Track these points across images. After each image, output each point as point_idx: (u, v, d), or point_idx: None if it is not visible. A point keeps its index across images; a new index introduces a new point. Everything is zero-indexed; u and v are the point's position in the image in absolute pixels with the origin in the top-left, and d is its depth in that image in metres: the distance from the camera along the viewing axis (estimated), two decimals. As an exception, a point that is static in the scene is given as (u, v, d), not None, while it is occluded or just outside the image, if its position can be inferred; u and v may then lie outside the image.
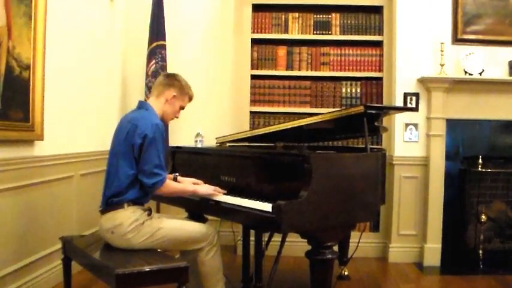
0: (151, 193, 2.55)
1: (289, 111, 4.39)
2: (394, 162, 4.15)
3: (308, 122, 2.86)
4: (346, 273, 3.69)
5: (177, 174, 2.86)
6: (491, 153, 4.18)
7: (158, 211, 4.14)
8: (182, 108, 2.75)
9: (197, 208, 2.93)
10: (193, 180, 2.78)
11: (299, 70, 4.43)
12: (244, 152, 3.02)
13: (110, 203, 2.44)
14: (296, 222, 2.20)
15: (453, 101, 4.10)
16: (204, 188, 2.66)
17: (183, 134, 4.41)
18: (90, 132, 3.83)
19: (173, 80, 2.71)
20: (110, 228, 2.43)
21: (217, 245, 2.63)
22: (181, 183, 2.74)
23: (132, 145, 2.43)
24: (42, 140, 3.12)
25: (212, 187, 2.66)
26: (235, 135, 3.45)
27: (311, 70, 4.43)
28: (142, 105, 2.66)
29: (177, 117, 2.80)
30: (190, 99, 2.79)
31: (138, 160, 2.44)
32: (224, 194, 2.66)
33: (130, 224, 2.40)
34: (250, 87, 4.40)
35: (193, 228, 2.59)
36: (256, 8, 4.42)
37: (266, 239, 3.37)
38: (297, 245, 3.46)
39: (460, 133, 4.18)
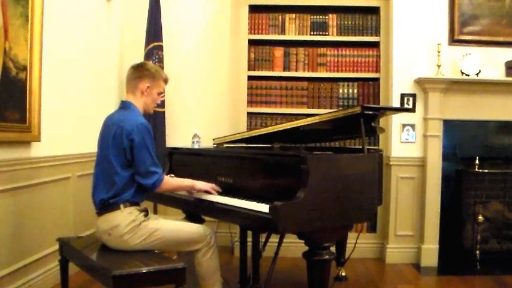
0: (152, 192, 2.55)
1: (286, 112, 4.39)
2: (391, 163, 4.15)
3: (305, 123, 2.86)
4: (343, 274, 3.69)
5: (172, 175, 2.89)
6: (488, 154, 4.20)
7: (155, 212, 4.14)
8: (160, 93, 2.71)
9: (194, 209, 2.93)
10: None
11: (296, 71, 4.44)
12: (242, 153, 3.02)
13: (106, 205, 2.44)
14: (293, 223, 2.20)
15: (450, 101, 4.11)
16: (201, 184, 2.67)
17: (180, 135, 4.42)
18: (87, 134, 3.81)
19: (142, 70, 2.63)
20: (107, 230, 2.42)
21: (214, 246, 2.62)
22: (179, 179, 2.75)
23: (124, 148, 2.42)
24: (39, 141, 3.11)
25: (209, 184, 2.68)
26: (232, 136, 3.45)
27: (308, 71, 4.43)
28: (124, 105, 2.61)
29: (159, 103, 2.79)
30: (166, 82, 2.73)
31: (132, 162, 2.44)
32: (220, 193, 2.66)
33: (127, 225, 2.39)
34: (247, 88, 4.41)
35: (191, 229, 2.59)
36: (253, 8, 4.42)
37: (263, 240, 3.37)
38: (294, 246, 3.48)
39: (457, 134, 4.19)
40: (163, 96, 4.27)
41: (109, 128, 2.51)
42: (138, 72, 2.63)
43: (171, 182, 2.62)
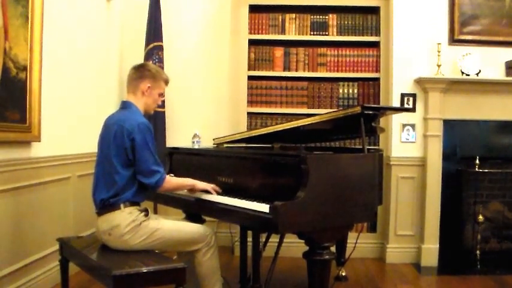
0: (154, 191, 2.56)
1: (286, 112, 4.39)
2: (391, 163, 4.15)
3: (305, 123, 2.86)
4: (343, 274, 3.69)
5: (172, 175, 2.90)
6: (488, 154, 4.19)
7: (155, 212, 4.14)
8: (161, 94, 2.72)
9: (195, 209, 2.93)
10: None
11: (296, 71, 4.44)
12: (242, 153, 3.02)
13: (107, 205, 2.44)
14: (293, 223, 2.20)
15: (450, 101, 4.11)
16: (202, 184, 2.69)
17: (180, 135, 4.42)
18: (87, 134, 3.82)
19: (143, 71, 2.64)
20: (107, 230, 2.42)
21: (214, 246, 2.63)
22: (181, 178, 2.76)
23: (125, 148, 2.42)
24: (39, 141, 3.11)
25: (210, 184, 2.70)
26: (233, 136, 3.45)
27: (308, 71, 4.43)
28: (125, 105, 2.62)
29: (159, 104, 2.81)
30: (167, 83, 2.75)
31: (134, 161, 2.44)
32: (220, 193, 2.67)
33: (127, 225, 2.39)
34: (247, 88, 4.41)
35: (191, 229, 2.59)
36: (253, 8, 4.42)
37: (263, 240, 3.37)
38: (294, 246, 3.47)
39: (457, 133, 4.19)
40: (164, 96, 4.30)
41: (110, 128, 2.51)
42: (139, 72, 2.64)
43: (172, 181, 2.63)
